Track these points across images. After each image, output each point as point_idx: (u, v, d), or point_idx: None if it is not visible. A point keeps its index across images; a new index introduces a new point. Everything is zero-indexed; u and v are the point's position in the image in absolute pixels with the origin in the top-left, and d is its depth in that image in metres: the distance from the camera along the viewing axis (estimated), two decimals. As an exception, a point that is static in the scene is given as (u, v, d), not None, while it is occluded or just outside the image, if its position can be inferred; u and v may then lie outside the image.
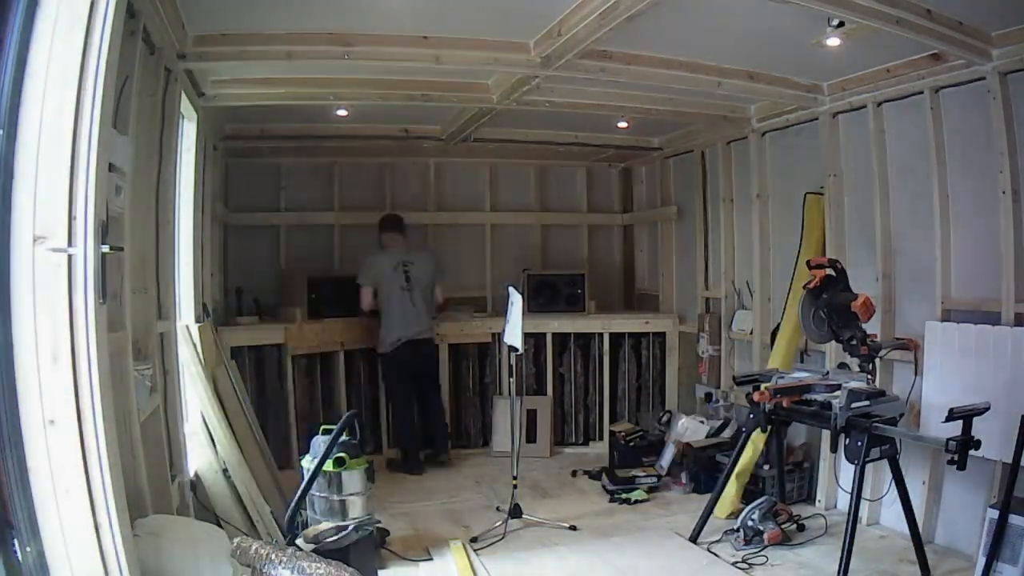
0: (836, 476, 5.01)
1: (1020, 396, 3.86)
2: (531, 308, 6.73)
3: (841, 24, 3.85)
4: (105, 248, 2.29)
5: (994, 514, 3.85)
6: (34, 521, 2.03)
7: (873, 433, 3.94)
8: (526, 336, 5.31)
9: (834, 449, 4.21)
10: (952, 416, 3.58)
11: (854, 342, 4.38)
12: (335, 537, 3.90)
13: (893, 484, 4.16)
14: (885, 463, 4.14)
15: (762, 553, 4.45)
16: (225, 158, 6.60)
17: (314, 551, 3.48)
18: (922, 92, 4.60)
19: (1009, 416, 3.79)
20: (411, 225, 7.39)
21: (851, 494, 3.98)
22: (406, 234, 6.61)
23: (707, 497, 4.94)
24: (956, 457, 3.57)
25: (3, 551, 2.00)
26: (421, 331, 6.40)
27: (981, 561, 3.87)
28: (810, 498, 5.35)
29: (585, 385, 7.19)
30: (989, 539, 3.84)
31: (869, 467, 4.27)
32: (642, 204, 8.19)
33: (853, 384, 4.28)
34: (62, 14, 2.00)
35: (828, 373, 4.71)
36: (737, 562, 4.37)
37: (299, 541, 3.85)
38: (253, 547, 3.10)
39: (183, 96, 4.25)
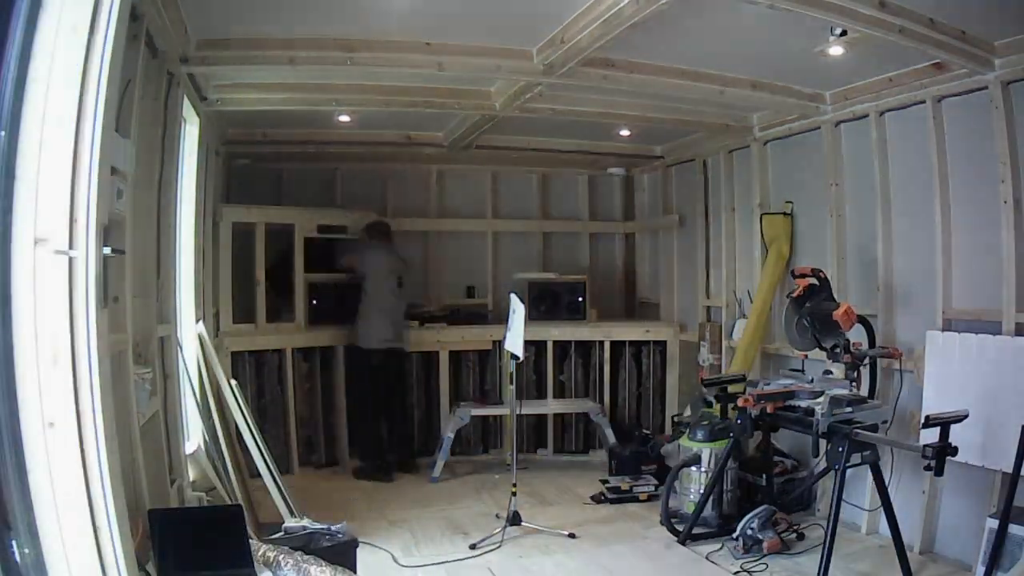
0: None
1: (1020, 406, 3.85)
2: (532, 316, 6.72)
3: (844, 33, 3.86)
4: (107, 251, 2.29)
5: (994, 523, 3.85)
6: (33, 523, 2.03)
7: (853, 439, 4.00)
8: (527, 343, 5.33)
9: (815, 454, 4.34)
10: (928, 423, 3.64)
11: (838, 350, 4.50)
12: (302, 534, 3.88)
13: (892, 491, 4.17)
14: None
15: (761, 561, 4.44)
16: (227, 163, 6.60)
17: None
18: (924, 101, 4.60)
19: (1009, 426, 3.79)
20: (413, 231, 7.44)
21: (832, 497, 4.04)
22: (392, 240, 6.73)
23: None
24: (933, 463, 3.61)
25: (1, 554, 2.00)
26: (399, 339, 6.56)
27: (980, 571, 3.87)
28: (809, 508, 5.35)
29: (585, 393, 7.17)
30: (988, 548, 3.84)
31: (868, 476, 4.28)
32: (644, 212, 8.20)
33: (836, 391, 4.35)
34: (65, 17, 2.00)
35: (812, 380, 4.74)
36: (737, 571, 4.36)
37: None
38: (261, 550, 3.10)
39: (185, 100, 4.26)
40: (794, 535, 4.76)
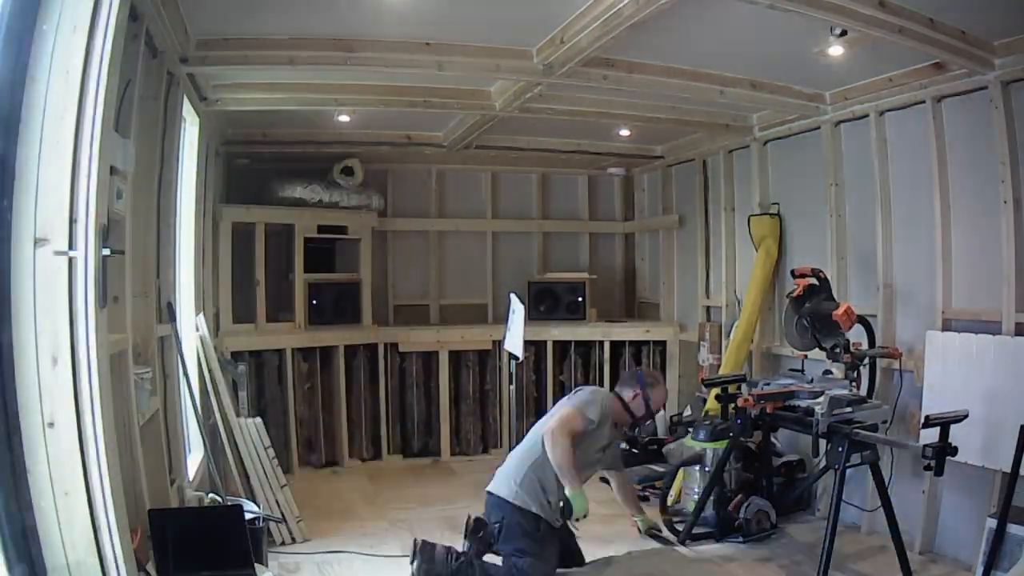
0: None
1: (1020, 406, 3.85)
2: (532, 316, 6.73)
3: (844, 33, 3.85)
4: (106, 251, 2.29)
5: (993, 523, 3.85)
6: (33, 523, 2.03)
7: (853, 439, 4.00)
8: (526, 344, 5.32)
9: (815, 454, 4.32)
10: (928, 423, 3.65)
11: (837, 350, 4.52)
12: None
13: (892, 491, 4.17)
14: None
15: (761, 560, 4.45)
16: (227, 163, 6.60)
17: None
18: (924, 101, 4.60)
19: (1008, 426, 3.79)
20: (412, 231, 7.45)
21: (832, 497, 4.04)
22: None
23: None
24: (933, 463, 3.61)
25: (2, 553, 2.00)
26: None
27: (980, 570, 3.87)
28: (809, 508, 5.35)
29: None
30: (988, 548, 3.84)
31: (868, 476, 4.28)
32: (644, 212, 8.20)
33: (835, 391, 4.36)
34: (64, 17, 2.00)
35: (812, 380, 4.75)
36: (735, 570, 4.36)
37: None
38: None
39: (185, 100, 4.25)
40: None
